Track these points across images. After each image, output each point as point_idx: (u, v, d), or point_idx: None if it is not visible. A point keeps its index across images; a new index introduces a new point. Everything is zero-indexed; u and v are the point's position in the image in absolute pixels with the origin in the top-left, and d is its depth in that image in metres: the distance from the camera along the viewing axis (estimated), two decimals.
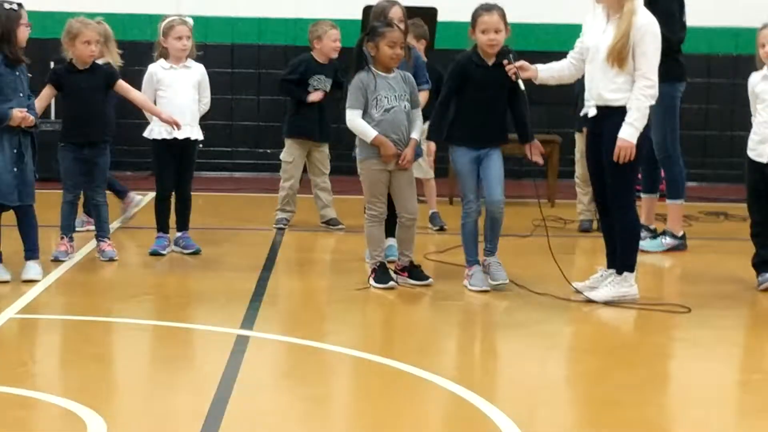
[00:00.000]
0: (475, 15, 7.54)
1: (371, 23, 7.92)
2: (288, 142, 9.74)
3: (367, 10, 9.85)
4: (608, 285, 7.36)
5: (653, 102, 7.14)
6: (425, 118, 7.85)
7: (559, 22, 12.25)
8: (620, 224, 7.31)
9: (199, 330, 6.77)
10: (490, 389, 5.82)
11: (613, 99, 7.15)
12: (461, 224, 7.67)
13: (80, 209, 8.83)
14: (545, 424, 5.32)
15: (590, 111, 7.33)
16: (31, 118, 7.49)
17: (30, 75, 7.69)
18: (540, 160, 7.70)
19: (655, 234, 9.11)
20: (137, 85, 8.54)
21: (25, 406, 5.34)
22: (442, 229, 9.69)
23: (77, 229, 8.69)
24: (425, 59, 8.88)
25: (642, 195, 9.05)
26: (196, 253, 8.63)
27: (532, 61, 7.53)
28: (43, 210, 7.89)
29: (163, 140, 8.53)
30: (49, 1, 11.62)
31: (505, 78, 7.45)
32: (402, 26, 7.89)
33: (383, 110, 7.57)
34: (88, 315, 6.97)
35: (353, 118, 7.60)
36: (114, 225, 9.25)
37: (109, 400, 5.51)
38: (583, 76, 7.43)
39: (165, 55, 8.61)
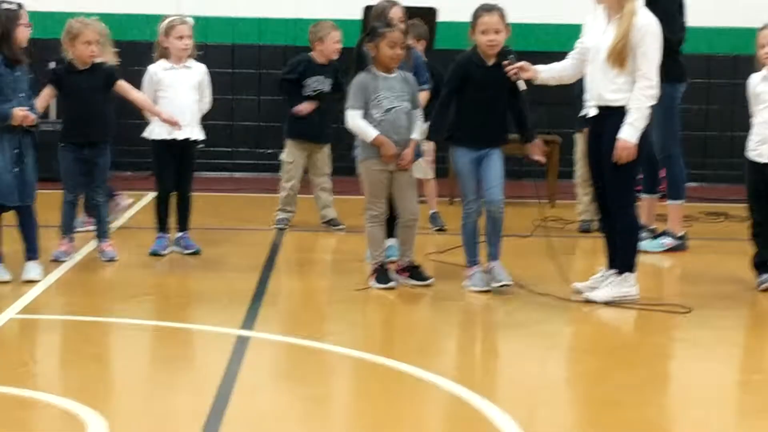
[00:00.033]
0: (475, 16, 7.54)
1: (371, 24, 7.93)
2: (289, 142, 9.74)
3: (368, 10, 9.85)
4: (608, 285, 7.36)
5: (654, 102, 7.15)
6: (425, 118, 7.85)
7: (559, 23, 12.25)
8: (620, 224, 7.31)
9: (199, 330, 6.77)
10: (491, 389, 5.82)
11: (614, 99, 7.16)
12: (462, 224, 7.67)
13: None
14: (545, 424, 5.32)
15: (591, 111, 7.34)
16: (33, 116, 7.50)
17: (30, 75, 7.69)
18: (542, 159, 7.71)
19: (655, 234, 9.11)
20: (137, 86, 8.54)
21: (25, 407, 5.34)
22: (441, 229, 9.68)
23: (77, 229, 8.69)
24: (425, 59, 8.88)
25: (642, 195, 9.05)
26: (197, 253, 8.63)
27: (533, 62, 7.53)
28: (44, 210, 7.89)
29: (163, 140, 8.53)
30: (49, 1, 11.62)
31: (506, 78, 7.45)
32: (402, 26, 7.89)
33: (384, 111, 7.57)
34: (88, 315, 6.97)
35: (354, 119, 7.60)
36: (115, 224, 9.26)
37: (110, 401, 5.52)
38: (583, 77, 7.44)
39: (165, 55, 8.61)
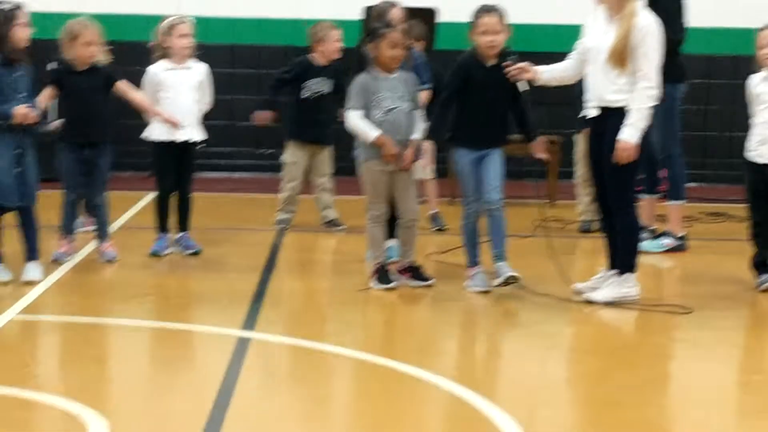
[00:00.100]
0: (475, 17, 7.54)
1: (372, 24, 7.93)
2: (290, 143, 9.74)
3: (368, 11, 9.86)
4: (609, 286, 7.37)
5: (654, 103, 7.15)
6: (426, 118, 7.85)
7: (559, 23, 12.25)
8: (621, 225, 7.32)
9: (200, 331, 6.77)
10: (491, 390, 5.83)
11: (614, 100, 7.16)
12: (462, 225, 7.68)
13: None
14: (546, 424, 5.32)
15: (591, 112, 7.34)
16: (34, 113, 7.49)
17: (30, 75, 7.67)
18: (545, 157, 7.72)
19: (655, 235, 9.11)
20: (137, 86, 8.53)
21: (26, 407, 5.35)
22: (441, 229, 9.69)
23: (77, 229, 8.68)
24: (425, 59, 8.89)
25: (642, 196, 9.05)
26: (197, 253, 8.64)
27: (533, 62, 7.53)
28: (44, 210, 7.89)
29: (164, 141, 8.53)
30: (49, 1, 11.62)
31: (506, 79, 7.45)
32: (402, 27, 7.89)
33: (384, 111, 7.57)
34: (88, 316, 6.97)
35: (354, 119, 7.60)
36: (115, 225, 9.26)
37: (111, 402, 5.52)
38: (584, 77, 7.44)
39: (166, 55, 8.61)
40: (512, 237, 7.80)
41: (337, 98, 9.41)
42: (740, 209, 9.18)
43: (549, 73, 7.51)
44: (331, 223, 9.75)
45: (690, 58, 9.29)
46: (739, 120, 9.31)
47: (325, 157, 9.80)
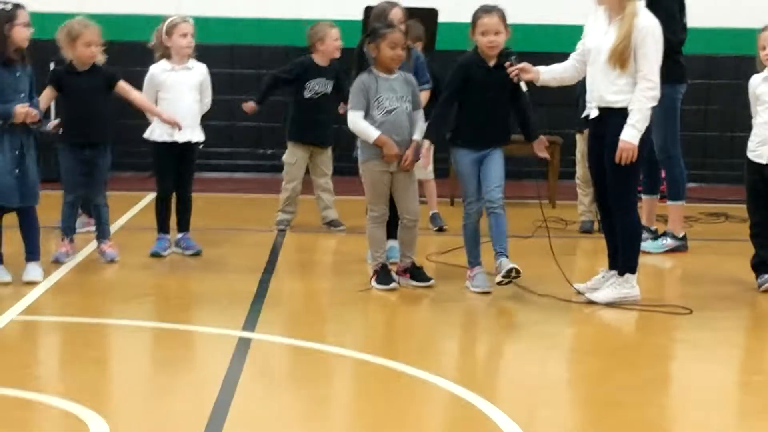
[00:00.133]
0: (475, 17, 7.54)
1: (372, 24, 7.93)
2: (291, 144, 9.73)
3: (368, 11, 9.85)
4: (610, 286, 7.37)
5: (655, 104, 7.15)
6: (425, 118, 7.85)
7: (560, 24, 12.24)
8: (621, 225, 7.32)
9: (200, 332, 6.77)
10: (492, 390, 5.83)
11: (615, 101, 7.16)
12: (463, 225, 7.67)
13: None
14: (546, 424, 5.32)
15: (592, 112, 7.34)
16: (35, 112, 7.48)
17: (32, 76, 7.67)
18: (547, 155, 7.72)
19: (656, 235, 9.11)
20: (137, 86, 8.54)
21: (27, 408, 5.35)
22: (441, 229, 9.69)
23: (78, 230, 8.68)
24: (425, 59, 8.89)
25: (643, 196, 9.06)
26: (197, 254, 8.63)
27: (534, 63, 7.53)
28: (44, 211, 7.88)
29: (164, 142, 8.53)
30: (49, 1, 11.62)
31: (507, 79, 7.45)
32: (402, 27, 7.89)
33: (385, 112, 7.57)
34: (89, 317, 6.97)
35: (355, 120, 7.60)
36: (116, 225, 9.26)
37: (111, 402, 5.52)
38: (584, 78, 7.44)
39: (167, 55, 8.61)
40: (512, 237, 7.80)
41: (339, 98, 9.43)
42: (740, 209, 9.18)
43: (549, 74, 7.50)
44: (332, 224, 9.75)
45: (691, 58, 9.29)
46: (740, 120, 9.33)
47: (326, 158, 9.80)
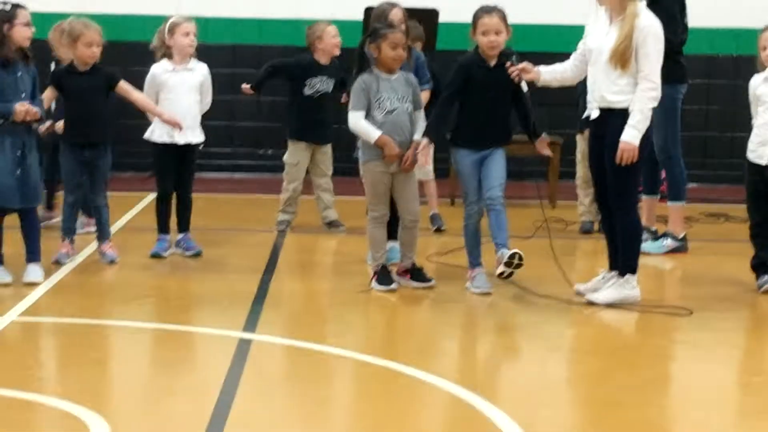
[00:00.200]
0: (476, 17, 7.54)
1: (372, 25, 7.93)
2: (291, 144, 9.74)
3: (368, 11, 9.86)
4: (610, 287, 7.37)
5: (656, 104, 7.15)
6: (426, 118, 7.85)
7: (560, 24, 12.25)
8: (622, 226, 7.32)
9: (201, 333, 6.77)
10: (492, 391, 5.83)
11: (616, 101, 7.16)
12: (463, 225, 7.68)
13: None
14: (547, 425, 5.32)
15: (593, 113, 7.34)
16: (36, 110, 7.47)
17: (34, 76, 7.67)
18: (550, 153, 7.73)
19: (656, 235, 9.11)
20: (137, 86, 8.53)
21: (27, 409, 5.35)
22: (439, 230, 9.69)
23: (77, 231, 8.68)
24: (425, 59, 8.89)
25: (643, 196, 9.06)
26: (198, 254, 8.63)
27: (535, 63, 7.54)
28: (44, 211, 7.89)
29: (164, 143, 8.53)
30: (50, 1, 11.63)
31: (508, 79, 7.45)
32: (403, 27, 7.89)
33: (385, 112, 7.57)
34: (89, 318, 6.97)
35: (356, 120, 7.60)
36: (116, 226, 9.26)
37: (112, 404, 5.52)
38: (585, 78, 7.44)
39: (168, 55, 8.61)
40: (512, 238, 7.80)
41: (340, 96, 9.42)
42: (740, 210, 9.18)
43: (550, 74, 7.51)
44: (332, 224, 9.75)
45: (691, 58, 9.30)
46: (740, 120, 9.33)
47: (326, 157, 9.80)
